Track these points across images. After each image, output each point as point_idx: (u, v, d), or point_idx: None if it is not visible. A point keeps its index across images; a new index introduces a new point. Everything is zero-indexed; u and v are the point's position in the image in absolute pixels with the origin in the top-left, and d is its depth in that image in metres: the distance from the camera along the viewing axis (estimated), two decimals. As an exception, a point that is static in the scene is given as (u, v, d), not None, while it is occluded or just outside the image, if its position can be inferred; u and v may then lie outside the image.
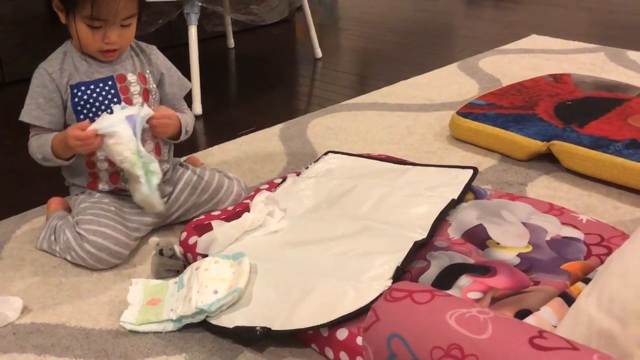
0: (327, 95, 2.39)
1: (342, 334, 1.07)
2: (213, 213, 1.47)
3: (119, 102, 1.39)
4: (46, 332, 1.19)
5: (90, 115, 1.39)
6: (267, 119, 2.16)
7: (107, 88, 1.40)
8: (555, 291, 1.13)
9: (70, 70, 1.39)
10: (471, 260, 1.23)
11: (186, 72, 2.20)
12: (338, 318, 1.08)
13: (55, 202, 1.55)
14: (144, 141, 1.38)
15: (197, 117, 2.21)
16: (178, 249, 1.34)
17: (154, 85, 1.46)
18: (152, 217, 1.45)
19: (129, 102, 1.40)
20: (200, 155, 1.85)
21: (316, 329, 1.09)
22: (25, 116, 1.39)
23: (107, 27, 1.34)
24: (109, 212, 1.39)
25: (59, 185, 1.54)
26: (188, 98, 2.19)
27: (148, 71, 1.46)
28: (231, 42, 3.05)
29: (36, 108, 1.39)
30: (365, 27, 3.37)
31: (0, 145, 1.95)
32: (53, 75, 1.38)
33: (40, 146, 1.38)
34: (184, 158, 1.66)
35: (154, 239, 1.33)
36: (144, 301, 1.22)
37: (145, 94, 1.44)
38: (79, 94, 1.39)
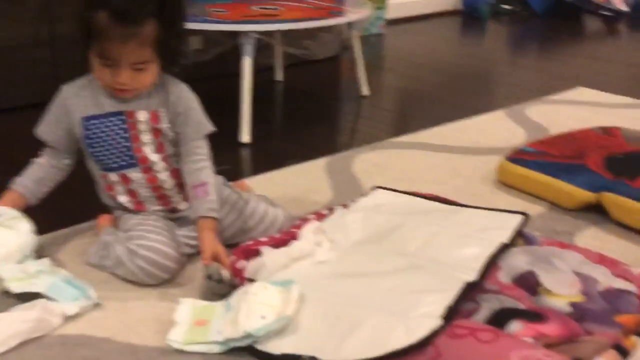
0: (372, 132, 2.40)
1: (391, 368, 1.06)
2: (261, 239, 1.47)
3: (128, 138, 1.40)
4: (93, 345, 1.19)
5: (101, 149, 1.41)
6: (312, 152, 2.18)
7: (117, 122, 1.40)
8: (608, 342, 1.11)
9: (85, 100, 1.40)
10: (522, 306, 1.22)
11: (236, 102, 2.25)
12: (387, 353, 1.08)
13: (105, 218, 1.57)
14: (158, 171, 1.42)
15: (244, 145, 2.24)
16: (226, 273, 1.34)
17: (167, 126, 1.42)
18: (197, 237, 1.46)
19: (137, 139, 1.41)
20: (245, 183, 1.87)
21: (364, 362, 1.08)
22: (38, 129, 1.45)
23: (118, 67, 1.31)
24: (158, 227, 1.41)
25: (110, 202, 1.56)
26: (236, 127, 2.24)
27: (163, 110, 1.41)
28: (279, 75, 3.09)
29: (46, 124, 1.44)
30: (410, 68, 3.40)
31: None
32: (67, 102, 1.41)
33: (34, 162, 1.46)
34: (232, 183, 1.67)
35: (203, 263, 1.34)
36: (192, 321, 1.23)
37: (156, 133, 1.42)
38: (91, 127, 1.40)
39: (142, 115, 1.40)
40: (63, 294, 1.28)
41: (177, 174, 1.46)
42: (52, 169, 1.48)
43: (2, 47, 2.50)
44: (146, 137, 1.42)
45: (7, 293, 1.29)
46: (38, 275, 1.32)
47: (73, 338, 1.21)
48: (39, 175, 1.46)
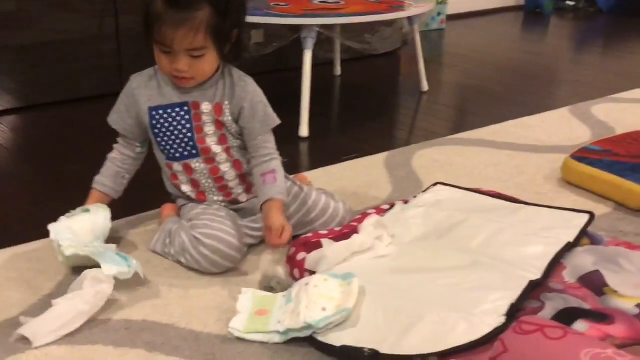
0: (432, 129, 2.38)
1: (452, 365, 1.06)
2: (321, 232, 1.48)
3: (191, 129, 1.42)
4: (157, 331, 1.22)
5: (166, 139, 1.44)
6: (371, 147, 2.17)
7: (182, 113, 1.42)
8: (679, 347, 1.08)
9: (152, 90, 1.43)
10: (587, 306, 1.19)
11: (296, 97, 2.26)
12: (449, 349, 1.07)
13: (168, 207, 1.60)
14: (220, 162, 1.44)
15: (302, 139, 2.25)
16: (283, 279, 1.35)
17: (230, 119, 1.42)
18: (259, 228, 1.48)
19: (200, 130, 1.42)
20: (304, 177, 1.87)
21: (426, 357, 1.08)
22: (109, 117, 1.48)
23: (175, 54, 1.32)
24: (221, 217, 1.43)
25: (172, 192, 1.59)
26: (296, 120, 2.25)
27: (227, 103, 1.42)
28: (338, 70, 3.09)
29: (117, 112, 1.48)
30: (471, 65, 3.36)
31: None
32: (135, 92, 1.44)
33: (104, 166, 1.51)
34: (292, 176, 1.68)
35: (271, 243, 1.37)
36: (253, 310, 1.24)
37: (219, 125, 1.43)
38: (157, 116, 1.43)
39: (206, 107, 1.42)
40: (106, 259, 1.31)
41: (239, 165, 1.47)
42: (126, 159, 1.51)
43: (69, 39, 2.58)
44: (209, 129, 1.43)
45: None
46: (90, 245, 1.36)
47: (137, 323, 1.24)
48: (115, 170, 1.50)
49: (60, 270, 1.40)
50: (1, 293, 1.33)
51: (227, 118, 1.43)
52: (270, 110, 1.46)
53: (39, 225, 1.44)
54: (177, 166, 1.47)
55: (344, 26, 2.56)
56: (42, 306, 1.28)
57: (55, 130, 2.35)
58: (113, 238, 1.52)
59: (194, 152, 1.44)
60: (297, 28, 2.26)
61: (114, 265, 1.29)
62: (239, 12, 1.38)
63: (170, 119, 1.43)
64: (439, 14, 4.15)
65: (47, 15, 2.51)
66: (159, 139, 1.45)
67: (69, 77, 2.61)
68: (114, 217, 1.60)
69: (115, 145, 1.52)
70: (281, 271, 1.35)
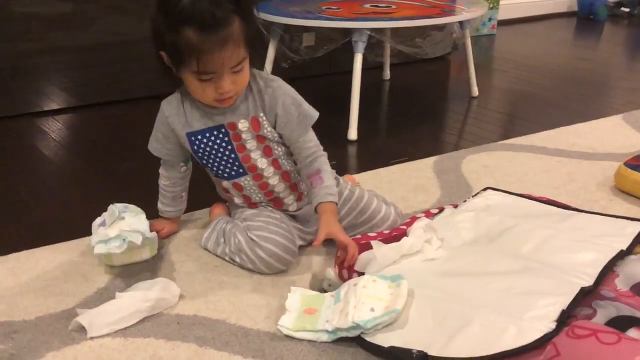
0: (482, 134, 2.36)
1: (501, 369, 1.05)
2: (370, 234, 1.48)
3: (233, 149, 1.41)
4: (207, 326, 1.24)
5: (211, 161, 1.44)
6: (420, 151, 2.17)
7: (220, 136, 1.40)
8: None
9: (185, 117, 1.40)
10: (640, 315, 1.17)
11: (345, 100, 2.28)
12: (499, 353, 1.06)
13: (218, 207, 1.63)
14: (268, 177, 1.45)
15: (351, 142, 2.26)
16: (333, 272, 1.36)
17: (269, 129, 1.40)
18: (311, 232, 1.50)
19: (243, 149, 1.41)
20: (353, 179, 1.88)
21: (474, 360, 1.07)
22: (149, 145, 1.49)
23: (218, 78, 1.27)
24: (276, 219, 1.44)
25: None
26: (345, 123, 2.26)
27: (262, 114, 1.39)
28: (387, 74, 3.10)
29: (155, 141, 1.47)
30: (522, 70, 3.32)
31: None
32: (169, 120, 1.41)
33: (161, 191, 1.55)
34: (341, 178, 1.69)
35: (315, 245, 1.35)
36: (301, 309, 1.25)
37: (260, 138, 1.41)
38: (197, 142, 1.42)
39: (243, 125, 1.39)
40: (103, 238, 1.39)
41: (287, 176, 1.47)
42: (176, 181, 1.53)
43: (123, 41, 2.64)
44: (251, 144, 1.42)
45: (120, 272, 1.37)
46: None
47: (189, 318, 1.26)
48: (170, 196, 1.54)
49: (114, 265, 1.44)
50: (58, 285, 1.37)
51: (267, 129, 1.40)
52: (304, 107, 1.41)
53: (93, 220, 1.48)
54: (227, 184, 1.48)
55: (394, 30, 2.56)
56: (98, 298, 1.32)
57: (109, 128, 2.41)
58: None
59: (241, 170, 1.44)
60: (348, 31, 2.27)
61: (104, 245, 1.38)
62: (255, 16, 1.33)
63: (210, 143, 1.41)
64: (490, 19, 4.12)
65: (102, 17, 2.58)
66: (204, 162, 1.46)
67: (123, 77, 2.67)
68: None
69: (160, 171, 1.53)
70: (332, 273, 1.36)
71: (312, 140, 1.44)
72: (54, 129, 2.38)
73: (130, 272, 1.42)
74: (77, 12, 2.53)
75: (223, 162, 1.43)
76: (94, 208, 1.55)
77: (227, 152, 1.42)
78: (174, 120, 1.41)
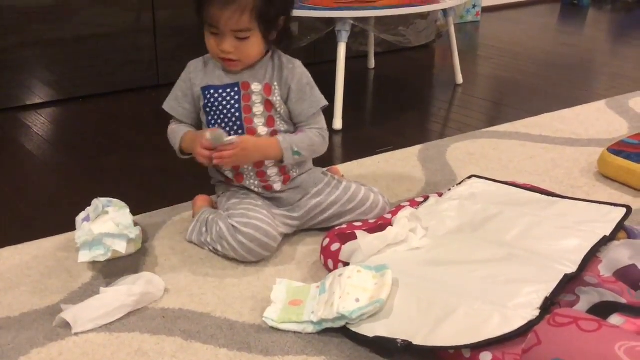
0: (466, 121, 2.37)
1: (485, 357, 1.05)
2: (355, 223, 1.49)
3: (239, 108, 1.45)
4: (193, 319, 1.24)
5: (216, 117, 1.47)
6: (405, 140, 2.17)
7: (232, 94, 1.46)
8: None
9: (206, 73, 1.48)
10: (623, 300, 1.18)
11: (330, 89, 2.27)
12: (483, 341, 1.07)
13: (201, 199, 1.62)
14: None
15: (336, 131, 2.26)
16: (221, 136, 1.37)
17: (279, 99, 1.46)
18: (296, 217, 1.51)
19: (249, 110, 1.45)
20: (338, 169, 1.88)
21: (459, 348, 1.08)
22: (165, 104, 1.52)
23: (222, 35, 1.37)
24: (257, 206, 1.45)
25: (205, 183, 1.62)
26: (330, 113, 2.26)
27: (276, 84, 1.46)
28: (372, 63, 3.09)
29: (174, 99, 1.51)
30: (506, 57, 3.33)
31: (151, 144, 2.07)
32: (192, 74, 1.49)
33: (172, 134, 1.51)
34: (325, 169, 1.69)
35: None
36: (287, 301, 1.26)
37: (268, 105, 1.46)
38: (208, 96, 1.46)
39: (256, 87, 1.45)
40: (87, 246, 1.38)
41: None
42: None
43: (107, 33, 2.62)
44: (258, 109, 1.46)
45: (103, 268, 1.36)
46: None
47: (174, 312, 1.26)
48: (184, 124, 1.53)
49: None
50: (42, 281, 1.36)
51: (277, 98, 1.46)
52: (317, 92, 1.49)
53: (77, 215, 1.47)
54: None
55: (378, 19, 2.55)
56: (82, 294, 1.31)
57: (94, 122, 2.39)
58: (149, 226, 1.55)
59: (240, 132, 1.46)
60: (332, 21, 2.27)
61: (89, 252, 1.36)
62: (286, 0, 1.42)
63: (220, 99, 1.46)
64: (474, 6, 4.12)
65: (85, 9, 2.56)
66: (209, 118, 1.48)
67: (107, 70, 2.65)
68: (151, 207, 1.64)
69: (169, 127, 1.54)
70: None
71: (320, 122, 1.51)
72: (37, 123, 2.36)
73: (115, 267, 1.41)
74: (60, 4, 2.50)
75: (226, 120, 1.46)
76: (78, 203, 1.54)
77: (232, 110, 1.46)
78: (196, 75, 1.48)
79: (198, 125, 1.54)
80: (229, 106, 1.46)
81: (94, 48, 2.61)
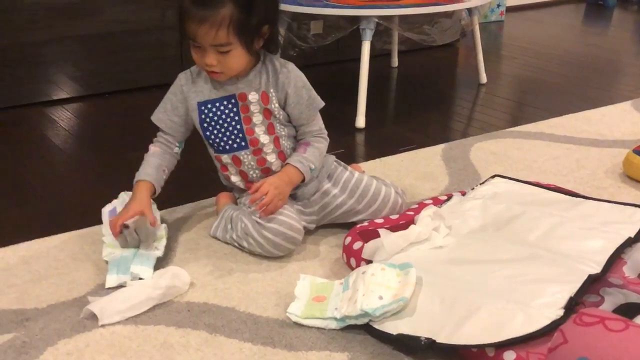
0: (490, 121, 2.36)
1: (509, 356, 1.05)
2: (377, 221, 1.49)
3: (239, 120, 1.45)
4: (217, 313, 1.25)
5: (215, 132, 1.47)
6: (428, 138, 2.17)
7: (229, 106, 1.45)
8: None
9: (199, 86, 1.46)
10: (648, 302, 1.17)
11: (353, 87, 2.28)
12: (507, 340, 1.07)
13: (224, 196, 1.63)
14: (267, 153, 1.48)
15: (359, 130, 2.26)
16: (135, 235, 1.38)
17: (277, 105, 1.46)
18: (311, 212, 1.52)
19: (249, 121, 1.45)
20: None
21: (482, 347, 1.08)
22: (153, 116, 1.52)
23: (203, 49, 1.35)
24: None
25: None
26: (353, 111, 2.26)
27: (272, 90, 1.45)
28: (395, 61, 3.09)
29: (163, 111, 1.51)
30: (531, 57, 3.31)
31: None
32: (184, 88, 1.47)
33: (145, 161, 1.49)
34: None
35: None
36: (310, 297, 1.26)
37: (266, 113, 1.46)
38: (205, 111, 1.46)
39: (253, 96, 1.45)
40: (115, 270, 1.35)
41: (284, 157, 1.50)
42: (165, 155, 1.51)
43: (131, 30, 2.64)
44: (257, 118, 1.46)
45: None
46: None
47: (199, 305, 1.28)
48: (156, 162, 1.49)
49: (124, 253, 1.45)
50: (69, 273, 1.38)
51: (274, 105, 1.45)
52: (313, 93, 1.49)
53: (102, 208, 1.49)
54: (226, 158, 1.50)
55: (402, 17, 2.55)
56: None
57: (118, 117, 2.42)
58: (175, 221, 1.57)
59: (243, 144, 1.47)
60: (356, 19, 2.27)
61: (115, 276, 1.33)
62: (267, 8, 1.38)
63: (218, 112, 1.46)
64: (498, 5, 4.10)
65: (112, 6, 2.58)
66: (207, 133, 1.48)
67: (132, 66, 2.68)
68: (176, 202, 1.66)
69: (154, 141, 1.53)
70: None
71: (318, 124, 1.52)
72: (64, 117, 2.39)
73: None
74: (86, 1, 2.53)
75: (227, 134, 1.47)
76: (103, 196, 1.56)
77: (233, 123, 1.46)
78: (189, 88, 1.47)
79: (180, 140, 1.53)
80: (228, 119, 1.46)
81: (120, 44, 2.64)
